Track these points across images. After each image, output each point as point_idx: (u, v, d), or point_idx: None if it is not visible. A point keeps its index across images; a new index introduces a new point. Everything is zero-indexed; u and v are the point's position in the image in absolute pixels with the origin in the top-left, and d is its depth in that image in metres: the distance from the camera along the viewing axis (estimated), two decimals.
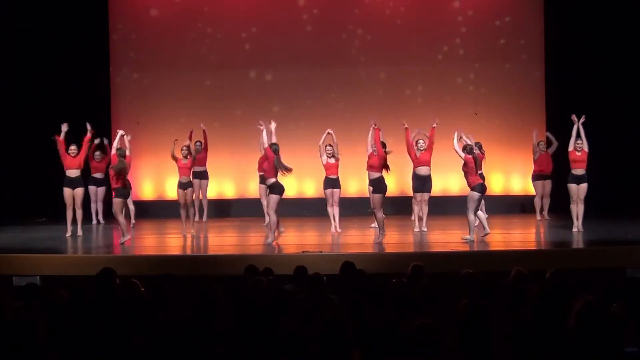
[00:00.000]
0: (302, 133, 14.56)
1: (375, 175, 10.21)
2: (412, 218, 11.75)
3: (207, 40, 15.00)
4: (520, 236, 11.79)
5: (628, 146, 13.80)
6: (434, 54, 14.89)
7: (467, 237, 10.06)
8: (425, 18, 14.84)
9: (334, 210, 11.39)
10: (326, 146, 11.44)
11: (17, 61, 14.33)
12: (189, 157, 11.63)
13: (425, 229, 11.36)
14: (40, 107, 14.32)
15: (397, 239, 11.14)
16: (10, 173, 14.18)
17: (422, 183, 11.30)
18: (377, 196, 10.15)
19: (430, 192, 11.43)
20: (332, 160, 11.37)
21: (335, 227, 11.39)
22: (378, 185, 10.18)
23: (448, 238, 11.28)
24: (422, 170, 11.32)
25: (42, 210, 14.03)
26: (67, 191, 11.29)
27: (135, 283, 5.38)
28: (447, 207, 13.46)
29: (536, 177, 12.73)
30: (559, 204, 12.50)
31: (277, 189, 10.10)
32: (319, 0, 14.97)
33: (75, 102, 14.26)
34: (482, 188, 10.15)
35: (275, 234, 10.25)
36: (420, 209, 11.34)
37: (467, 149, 10.20)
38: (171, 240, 12.13)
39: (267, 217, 12.28)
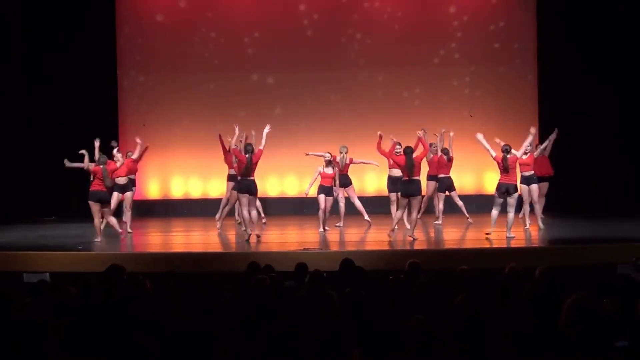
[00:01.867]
0: (303, 134, 14.59)
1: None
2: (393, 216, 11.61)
3: (210, 44, 15.01)
4: (514, 234, 11.77)
5: (618, 147, 13.84)
6: (430, 57, 14.89)
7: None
8: (422, 23, 14.83)
9: (325, 215, 11.33)
10: (325, 154, 11.44)
11: (27, 65, 14.35)
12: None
13: (396, 228, 11.27)
14: (50, 109, 14.36)
15: (394, 237, 11.12)
16: (22, 173, 14.19)
17: (394, 184, 11.26)
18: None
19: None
20: (329, 171, 11.35)
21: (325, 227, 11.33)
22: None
23: (447, 236, 11.28)
24: (394, 172, 11.27)
25: (52, 209, 14.04)
26: (116, 195, 11.22)
27: (142, 280, 5.37)
28: (454, 205, 13.47)
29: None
30: (554, 204, 12.55)
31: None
32: (319, 5, 14.97)
33: (84, 104, 14.33)
34: (499, 187, 10.21)
35: (251, 231, 10.32)
36: (396, 208, 11.25)
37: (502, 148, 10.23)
38: (176, 238, 12.14)
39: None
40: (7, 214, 13.46)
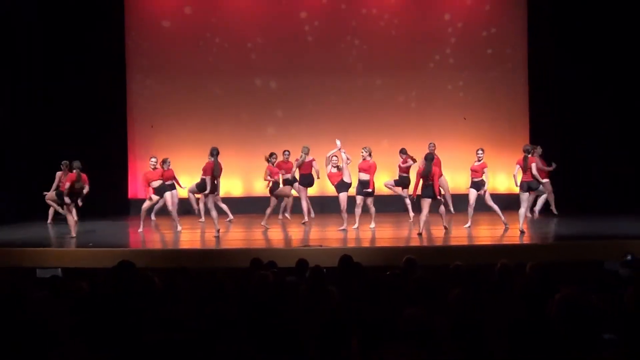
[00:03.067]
0: (304, 136, 14.54)
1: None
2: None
3: (215, 49, 15.01)
4: (505, 231, 11.78)
5: (609, 147, 13.86)
6: (426, 62, 14.90)
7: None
8: (417, 29, 14.84)
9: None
10: (332, 157, 11.49)
11: (43, 70, 14.35)
12: None
13: (373, 225, 11.40)
14: (64, 111, 14.36)
15: (391, 234, 11.14)
16: (37, 174, 14.17)
17: (362, 186, 11.27)
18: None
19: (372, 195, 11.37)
20: (335, 171, 11.41)
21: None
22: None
23: (442, 233, 11.27)
24: (362, 176, 11.27)
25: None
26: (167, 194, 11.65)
27: (151, 275, 5.36)
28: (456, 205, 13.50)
29: None
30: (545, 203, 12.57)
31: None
32: (320, 13, 14.98)
33: (94, 106, 14.37)
34: (521, 185, 10.50)
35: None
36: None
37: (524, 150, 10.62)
38: (183, 235, 12.11)
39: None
40: (22, 213, 13.49)
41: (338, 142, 11.49)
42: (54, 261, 8.97)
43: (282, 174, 12.12)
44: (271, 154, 11.93)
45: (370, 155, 11.29)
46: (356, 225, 11.25)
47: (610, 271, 6.98)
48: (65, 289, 5.03)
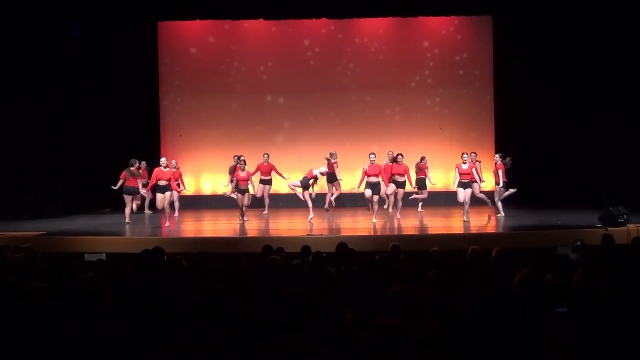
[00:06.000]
0: (307, 142, 14.62)
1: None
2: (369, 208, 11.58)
3: (233, 72, 15.01)
4: (476, 222, 11.76)
5: (559, 151, 13.86)
6: (408, 82, 14.90)
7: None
8: (401, 54, 14.85)
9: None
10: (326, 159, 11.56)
11: (87, 91, 14.33)
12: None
13: (375, 220, 11.32)
14: (107, 123, 14.36)
15: (380, 225, 11.12)
16: (85, 174, 14.16)
17: (372, 187, 11.23)
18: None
19: (379, 194, 11.32)
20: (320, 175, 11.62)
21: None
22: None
23: (421, 224, 11.27)
24: (372, 179, 11.24)
25: (108, 203, 14.02)
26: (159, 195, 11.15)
27: (179, 258, 5.36)
28: (436, 201, 13.49)
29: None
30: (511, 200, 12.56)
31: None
32: (320, 40, 14.98)
33: (133, 119, 14.35)
34: (504, 184, 11.32)
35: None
36: (372, 204, 11.28)
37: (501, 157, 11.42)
38: (206, 225, 12.12)
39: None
40: (73, 206, 13.50)
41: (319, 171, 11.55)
42: (100, 247, 8.95)
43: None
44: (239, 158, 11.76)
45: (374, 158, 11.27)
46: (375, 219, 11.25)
47: (562, 255, 6.97)
48: (109, 270, 5.02)
